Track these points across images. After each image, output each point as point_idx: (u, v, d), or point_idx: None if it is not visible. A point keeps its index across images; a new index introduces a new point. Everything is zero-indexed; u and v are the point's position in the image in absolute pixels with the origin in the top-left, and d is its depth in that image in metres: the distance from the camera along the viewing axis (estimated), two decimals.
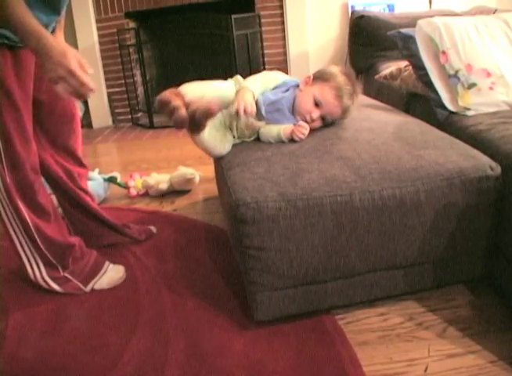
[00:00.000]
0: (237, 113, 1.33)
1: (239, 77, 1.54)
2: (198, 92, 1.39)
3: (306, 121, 1.43)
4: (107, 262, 1.56)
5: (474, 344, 1.17)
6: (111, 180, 2.29)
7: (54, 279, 1.46)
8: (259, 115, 1.41)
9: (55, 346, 1.27)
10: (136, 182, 2.28)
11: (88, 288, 1.49)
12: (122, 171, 2.54)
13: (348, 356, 1.16)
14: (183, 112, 1.26)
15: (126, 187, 2.29)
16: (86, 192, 1.66)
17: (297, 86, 1.50)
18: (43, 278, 1.45)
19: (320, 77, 1.47)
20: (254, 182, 1.19)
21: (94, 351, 1.24)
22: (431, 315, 1.29)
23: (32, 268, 1.44)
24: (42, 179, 1.46)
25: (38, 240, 1.39)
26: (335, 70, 1.48)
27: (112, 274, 1.54)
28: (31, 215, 1.37)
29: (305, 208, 1.14)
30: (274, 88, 1.49)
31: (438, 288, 1.37)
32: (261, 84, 1.44)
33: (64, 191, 1.60)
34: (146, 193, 2.26)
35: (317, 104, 1.43)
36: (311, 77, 1.49)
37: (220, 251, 1.68)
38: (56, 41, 1.15)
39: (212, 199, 2.15)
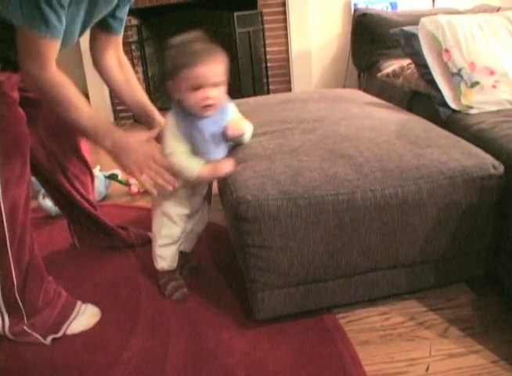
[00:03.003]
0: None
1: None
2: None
3: (209, 106, 1.22)
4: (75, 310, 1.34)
5: (475, 343, 1.17)
6: (112, 177, 2.29)
7: (14, 332, 1.27)
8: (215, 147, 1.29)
9: (55, 344, 1.27)
10: None
11: (48, 341, 1.27)
12: None
13: (349, 355, 1.15)
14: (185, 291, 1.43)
15: (127, 184, 2.29)
16: (82, 194, 1.61)
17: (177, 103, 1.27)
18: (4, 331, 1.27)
19: (175, 70, 1.22)
20: (254, 180, 1.18)
21: (94, 349, 1.24)
22: (433, 314, 1.28)
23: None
24: (33, 180, 1.41)
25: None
26: (173, 50, 1.23)
27: (82, 321, 1.33)
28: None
29: (306, 207, 1.13)
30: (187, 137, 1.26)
31: (440, 287, 1.36)
32: (182, 144, 1.26)
33: (60, 192, 1.57)
34: (147, 191, 2.25)
35: (200, 87, 1.20)
36: (170, 81, 1.24)
37: (220, 249, 1.68)
38: (125, 133, 1.22)
39: (212, 197, 2.14)
